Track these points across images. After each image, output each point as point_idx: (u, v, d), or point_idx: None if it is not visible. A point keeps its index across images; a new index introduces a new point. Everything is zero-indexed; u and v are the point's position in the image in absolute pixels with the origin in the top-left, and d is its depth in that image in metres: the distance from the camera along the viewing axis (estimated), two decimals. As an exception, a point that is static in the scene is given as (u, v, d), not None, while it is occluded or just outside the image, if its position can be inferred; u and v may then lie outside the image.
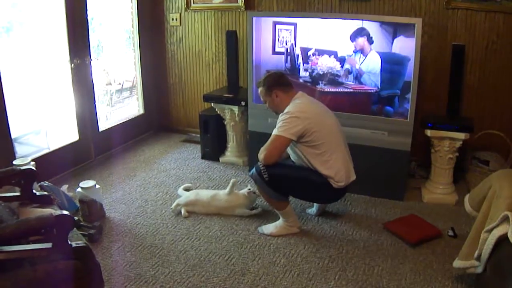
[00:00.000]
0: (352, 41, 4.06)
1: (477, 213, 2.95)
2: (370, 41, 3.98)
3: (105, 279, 2.97)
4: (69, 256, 2.36)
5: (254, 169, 3.57)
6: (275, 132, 3.47)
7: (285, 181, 3.52)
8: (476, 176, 4.23)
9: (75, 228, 2.75)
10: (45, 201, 3.02)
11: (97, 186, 3.99)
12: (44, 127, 5.14)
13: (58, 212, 2.42)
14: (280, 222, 3.72)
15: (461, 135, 3.94)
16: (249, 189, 4.01)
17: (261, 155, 3.48)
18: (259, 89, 3.71)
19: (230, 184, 4.01)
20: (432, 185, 4.24)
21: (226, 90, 5.16)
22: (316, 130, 3.44)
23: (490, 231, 2.61)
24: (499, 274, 2.53)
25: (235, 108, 4.85)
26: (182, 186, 4.32)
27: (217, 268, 3.28)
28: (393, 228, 3.69)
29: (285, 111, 3.51)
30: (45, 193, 3.16)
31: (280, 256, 3.42)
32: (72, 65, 4.68)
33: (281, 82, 3.64)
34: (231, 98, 4.87)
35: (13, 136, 4.22)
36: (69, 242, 2.37)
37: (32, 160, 3.91)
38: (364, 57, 4.05)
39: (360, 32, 4.01)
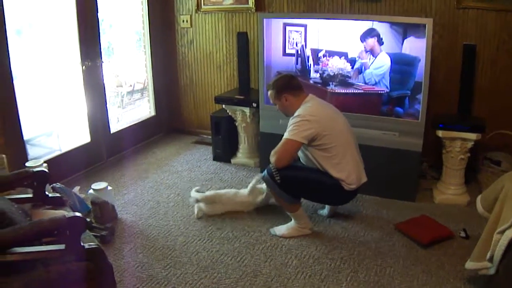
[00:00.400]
0: (362, 42, 4.05)
1: (489, 214, 2.94)
2: (380, 42, 3.97)
3: (117, 280, 3.00)
4: (82, 257, 2.38)
5: (265, 171, 3.57)
6: (286, 135, 3.46)
7: (297, 183, 3.51)
8: (488, 177, 4.20)
9: (87, 230, 2.76)
10: (57, 203, 3.04)
11: (109, 187, 4.01)
12: (56, 129, 5.19)
13: (71, 213, 2.43)
14: (292, 223, 3.72)
15: (473, 136, 3.92)
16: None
17: (272, 158, 3.48)
18: (269, 92, 3.72)
19: (254, 180, 4.06)
20: (443, 186, 4.22)
21: (237, 92, 5.17)
22: (327, 133, 3.44)
23: (502, 232, 2.59)
24: (511, 276, 2.52)
25: (247, 110, 4.86)
26: (195, 189, 4.31)
27: (229, 269, 3.29)
28: (404, 229, 3.68)
29: (296, 114, 3.51)
30: (57, 194, 3.18)
31: (292, 257, 3.43)
32: (84, 67, 4.70)
33: (291, 86, 3.63)
34: (243, 100, 4.88)
35: (25, 138, 4.26)
36: (82, 244, 2.39)
37: (44, 162, 3.95)
38: (374, 58, 4.03)
39: (370, 32, 4.01)
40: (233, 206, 4.05)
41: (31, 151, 4.52)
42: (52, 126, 5.17)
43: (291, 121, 3.50)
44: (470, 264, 2.91)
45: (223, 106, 5.02)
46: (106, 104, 5.10)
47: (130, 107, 7.10)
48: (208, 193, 4.11)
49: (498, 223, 2.70)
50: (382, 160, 4.12)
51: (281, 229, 3.74)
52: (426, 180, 4.56)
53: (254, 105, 4.74)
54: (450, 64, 4.49)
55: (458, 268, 3.21)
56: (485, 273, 2.85)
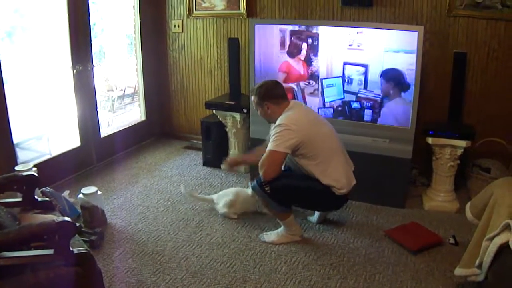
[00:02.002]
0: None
1: (478, 221, 2.95)
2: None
3: (106, 285, 2.96)
4: (71, 262, 2.37)
5: (255, 182, 3.56)
6: (269, 147, 3.41)
7: (287, 192, 3.49)
8: (478, 184, 4.21)
9: (76, 235, 2.73)
10: (46, 207, 3.03)
11: (99, 192, 3.97)
12: (46, 133, 5.18)
13: (60, 218, 2.43)
14: (281, 230, 3.71)
15: (463, 143, 3.94)
16: None
17: (261, 171, 3.44)
18: (252, 97, 3.71)
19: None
20: (433, 192, 4.23)
21: (227, 97, 5.17)
22: (310, 141, 3.43)
23: (491, 239, 2.60)
24: (500, 282, 2.53)
25: (237, 115, 4.86)
26: (186, 189, 4.36)
27: (218, 275, 3.27)
28: (394, 235, 3.69)
29: (278, 123, 3.48)
30: (47, 199, 3.17)
31: (281, 263, 3.42)
32: (75, 71, 4.69)
33: (273, 95, 3.60)
34: (233, 105, 4.88)
35: (15, 142, 4.23)
36: (71, 249, 2.38)
37: (34, 166, 3.93)
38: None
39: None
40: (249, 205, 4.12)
41: (21, 155, 4.51)
42: (42, 129, 5.16)
43: (274, 130, 3.47)
44: (459, 271, 2.92)
45: (214, 111, 5.02)
46: (96, 108, 5.08)
47: (120, 112, 7.08)
48: (228, 198, 4.10)
49: (487, 230, 2.72)
50: (372, 166, 4.13)
51: (271, 236, 3.73)
52: (415, 187, 4.58)
53: (245, 110, 4.73)
54: (440, 71, 4.51)
55: (447, 274, 3.22)
56: (474, 280, 2.86)
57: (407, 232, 3.69)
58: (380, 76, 4.01)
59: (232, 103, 4.91)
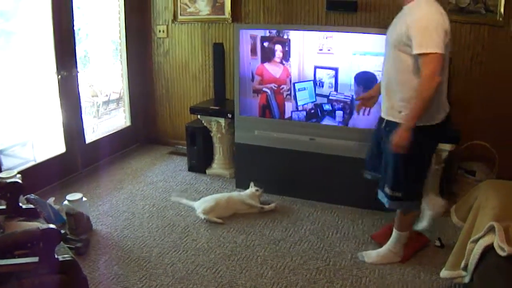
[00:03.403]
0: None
1: (463, 223, 2.97)
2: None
3: None
4: (56, 270, 2.34)
5: (386, 200, 3.29)
6: (423, 49, 2.78)
7: (413, 177, 3.15)
8: (463, 187, 4.25)
9: (61, 242, 2.70)
10: (31, 215, 2.98)
11: (84, 199, 3.95)
12: (30, 139, 5.13)
13: (45, 225, 2.41)
14: (384, 249, 3.48)
15: (447, 146, 3.97)
16: (257, 189, 4.28)
17: (431, 82, 2.79)
18: None
19: (252, 185, 4.31)
20: (419, 196, 4.23)
21: (212, 102, 5.16)
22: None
23: (476, 241, 2.62)
24: (485, 284, 2.54)
25: (222, 120, 4.85)
26: (174, 194, 4.45)
27: (204, 280, 3.26)
28: (380, 239, 3.69)
29: (421, 14, 2.87)
30: (31, 206, 3.13)
31: (267, 268, 3.42)
32: (59, 76, 4.64)
33: None
34: (218, 110, 4.86)
35: (-1, 148, 4.17)
36: (56, 256, 2.35)
37: (18, 173, 3.88)
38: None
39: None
40: (232, 211, 4.19)
41: (5, 162, 4.47)
42: (26, 136, 5.11)
43: (417, 24, 2.84)
44: (445, 273, 2.93)
45: (199, 116, 5.00)
46: (81, 114, 5.04)
47: (105, 117, 7.04)
48: (208, 204, 4.15)
49: (472, 232, 2.74)
50: (357, 170, 4.09)
51: (371, 255, 3.50)
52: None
53: (229, 115, 4.72)
54: (424, 75, 4.50)
55: (433, 277, 3.24)
56: (460, 282, 2.89)
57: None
58: (354, 79, 4.03)
59: (217, 108, 4.90)
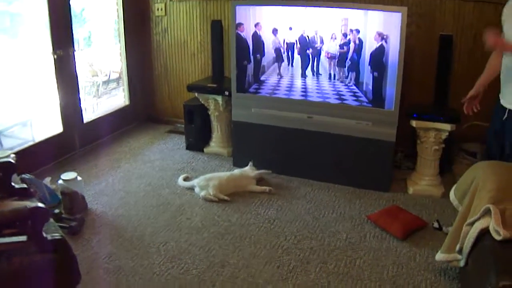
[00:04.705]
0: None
1: (461, 205, 2.90)
2: (357, 30, 3.91)
3: (84, 271, 2.95)
4: (45, 249, 2.34)
5: None
6: None
7: None
8: (463, 168, 4.05)
9: (53, 221, 2.71)
10: (23, 194, 2.94)
11: (79, 178, 3.90)
12: (29, 120, 5.12)
13: (33, 204, 2.38)
14: None
15: (447, 126, 3.88)
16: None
17: None
18: None
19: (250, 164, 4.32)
20: (417, 176, 4.18)
21: (211, 80, 5.08)
22: None
23: (472, 224, 2.56)
24: (480, 268, 2.48)
25: (219, 98, 4.78)
26: (182, 176, 4.34)
27: (196, 259, 3.23)
28: (376, 220, 3.63)
29: None
30: (24, 186, 3.08)
31: (261, 247, 3.37)
32: (55, 56, 4.58)
33: None
34: (215, 88, 4.80)
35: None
36: (45, 235, 2.34)
37: (16, 153, 3.84)
38: (348, 46, 3.98)
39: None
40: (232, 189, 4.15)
41: (5, 142, 4.51)
42: (25, 116, 5.10)
43: None
44: (440, 256, 2.88)
45: (196, 94, 4.93)
46: (78, 93, 4.98)
47: (106, 97, 6.97)
48: (214, 183, 4.11)
49: (468, 215, 2.66)
50: (355, 149, 4.12)
51: None
52: (400, 171, 4.52)
53: (227, 93, 4.65)
54: (427, 53, 4.43)
55: (429, 260, 3.18)
56: (455, 265, 2.83)
57: (390, 216, 3.61)
58: (369, 58, 3.95)
59: (214, 85, 4.83)
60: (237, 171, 4.34)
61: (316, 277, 3.05)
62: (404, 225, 3.49)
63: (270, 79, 4.35)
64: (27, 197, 2.92)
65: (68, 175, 3.86)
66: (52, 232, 2.45)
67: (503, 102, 3.22)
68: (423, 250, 3.31)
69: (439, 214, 3.77)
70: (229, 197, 4.05)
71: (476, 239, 2.54)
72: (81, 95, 5.03)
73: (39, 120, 5.22)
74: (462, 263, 2.72)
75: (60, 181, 3.83)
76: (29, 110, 5.15)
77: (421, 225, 3.58)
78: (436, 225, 3.57)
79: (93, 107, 6.41)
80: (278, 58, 4.29)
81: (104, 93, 6.93)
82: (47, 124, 5.07)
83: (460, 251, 2.69)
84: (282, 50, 4.25)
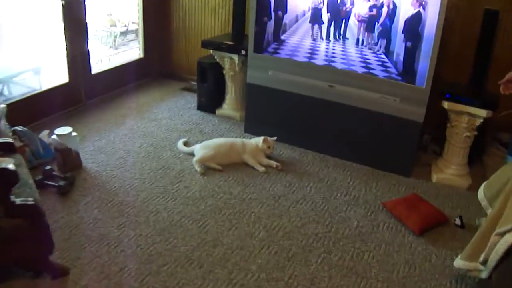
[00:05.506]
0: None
1: (490, 206, 2.52)
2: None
3: (65, 237, 2.82)
4: (12, 214, 2.26)
5: None
6: None
7: None
8: (495, 160, 3.80)
9: (32, 183, 2.56)
10: (7, 149, 2.79)
11: (74, 133, 3.68)
12: (38, 67, 5.02)
13: (2, 165, 2.24)
14: None
15: (483, 112, 3.47)
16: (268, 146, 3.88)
17: None
18: None
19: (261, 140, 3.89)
20: (444, 164, 3.81)
21: (229, 37, 4.74)
22: None
23: (502, 234, 2.18)
24: (507, 286, 2.10)
25: (235, 57, 4.46)
26: (182, 141, 4.05)
27: (186, 235, 2.94)
28: (392, 208, 3.27)
29: None
30: (9, 140, 2.89)
31: (259, 227, 3.06)
32: (63, 2, 4.30)
33: None
34: (231, 46, 4.46)
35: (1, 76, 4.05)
36: (12, 199, 2.24)
37: (19, 101, 3.85)
38: (381, 9, 3.58)
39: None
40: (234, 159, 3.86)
41: (14, 90, 4.44)
42: (34, 64, 4.97)
43: None
44: (460, 263, 2.53)
45: (211, 51, 4.61)
46: (87, 42, 4.69)
47: (123, 48, 6.76)
48: (207, 153, 3.79)
49: (499, 222, 2.27)
50: (378, 127, 3.79)
51: None
52: (425, 155, 4.15)
53: (243, 52, 4.31)
54: (468, 28, 4.03)
55: (446, 262, 2.84)
56: (475, 275, 2.46)
57: (408, 206, 3.23)
58: (403, 25, 3.54)
59: (231, 43, 4.49)
60: (239, 142, 3.95)
61: (316, 269, 2.72)
62: (422, 218, 3.11)
63: (291, 39, 3.98)
64: (11, 152, 2.80)
65: (63, 130, 3.66)
66: (27, 196, 2.33)
67: None
68: (440, 250, 2.95)
69: (463, 210, 3.39)
70: (235, 166, 3.77)
71: (505, 253, 2.17)
72: (95, 45, 4.81)
73: (49, 68, 5.06)
74: (484, 275, 2.35)
75: (54, 136, 3.61)
76: (40, 57, 5.01)
77: (442, 220, 3.20)
78: (458, 222, 3.19)
79: (109, 58, 6.29)
80: (302, 17, 3.91)
81: (121, 44, 6.79)
82: (56, 73, 4.86)
83: (484, 262, 2.31)
84: (308, 9, 3.86)
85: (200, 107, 4.89)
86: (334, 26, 3.80)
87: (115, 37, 6.68)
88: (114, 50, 6.65)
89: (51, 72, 4.98)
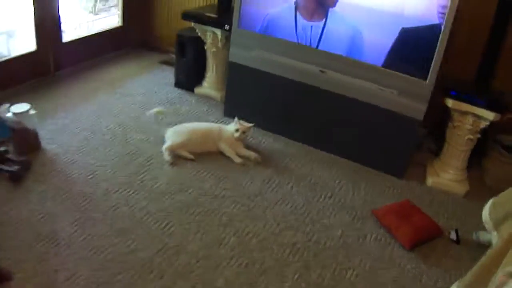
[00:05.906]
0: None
1: (493, 228, 2.18)
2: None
3: (11, 234, 2.53)
4: None
5: None
6: None
7: None
8: (495, 164, 3.54)
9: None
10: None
11: (32, 111, 3.31)
12: (13, 30, 4.61)
13: None
14: None
15: (490, 115, 3.14)
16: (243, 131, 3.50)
17: None
18: None
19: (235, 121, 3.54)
20: (440, 166, 3.50)
21: (214, 10, 4.39)
22: None
23: (511, 275, 1.82)
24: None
25: (218, 32, 4.12)
26: (156, 109, 3.67)
27: (148, 238, 2.62)
28: (382, 216, 2.95)
29: None
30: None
31: (230, 233, 2.74)
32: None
33: None
34: (214, 20, 4.12)
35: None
36: None
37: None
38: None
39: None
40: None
41: None
42: (8, 26, 4.57)
43: None
44: (457, 293, 2.20)
45: (193, 24, 4.25)
46: (58, 6, 4.30)
47: (103, 14, 6.32)
48: (178, 140, 3.45)
49: (507, 255, 1.92)
50: (372, 120, 3.49)
51: None
52: (420, 153, 3.82)
53: (227, 27, 3.96)
54: (478, 19, 3.68)
55: (438, 284, 2.55)
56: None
57: (399, 216, 2.91)
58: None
59: (215, 16, 4.15)
60: (216, 127, 3.63)
61: (292, 287, 2.41)
62: (413, 231, 2.80)
63: (280, 16, 3.61)
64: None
65: (20, 107, 3.31)
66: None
67: None
68: (432, 269, 2.65)
69: (459, 221, 3.09)
70: (209, 156, 3.45)
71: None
72: (75, 9, 4.39)
73: (23, 33, 4.61)
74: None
75: (9, 114, 3.25)
76: (15, 19, 4.57)
77: (435, 234, 2.90)
78: (453, 236, 2.88)
79: (87, 25, 5.81)
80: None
81: (101, 10, 6.30)
82: (26, 40, 4.46)
83: (486, 300, 1.99)
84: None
85: (177, 84, 4.54)
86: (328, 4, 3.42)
87: (96, 1, 6.27)
88: (94, 15, 6.24)
89: (25, 37, 4.55)
